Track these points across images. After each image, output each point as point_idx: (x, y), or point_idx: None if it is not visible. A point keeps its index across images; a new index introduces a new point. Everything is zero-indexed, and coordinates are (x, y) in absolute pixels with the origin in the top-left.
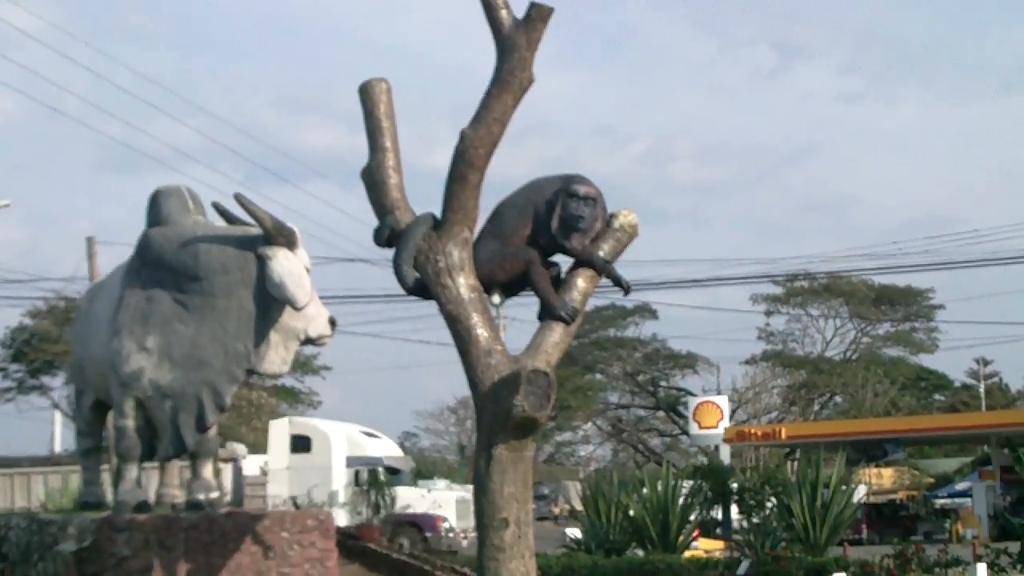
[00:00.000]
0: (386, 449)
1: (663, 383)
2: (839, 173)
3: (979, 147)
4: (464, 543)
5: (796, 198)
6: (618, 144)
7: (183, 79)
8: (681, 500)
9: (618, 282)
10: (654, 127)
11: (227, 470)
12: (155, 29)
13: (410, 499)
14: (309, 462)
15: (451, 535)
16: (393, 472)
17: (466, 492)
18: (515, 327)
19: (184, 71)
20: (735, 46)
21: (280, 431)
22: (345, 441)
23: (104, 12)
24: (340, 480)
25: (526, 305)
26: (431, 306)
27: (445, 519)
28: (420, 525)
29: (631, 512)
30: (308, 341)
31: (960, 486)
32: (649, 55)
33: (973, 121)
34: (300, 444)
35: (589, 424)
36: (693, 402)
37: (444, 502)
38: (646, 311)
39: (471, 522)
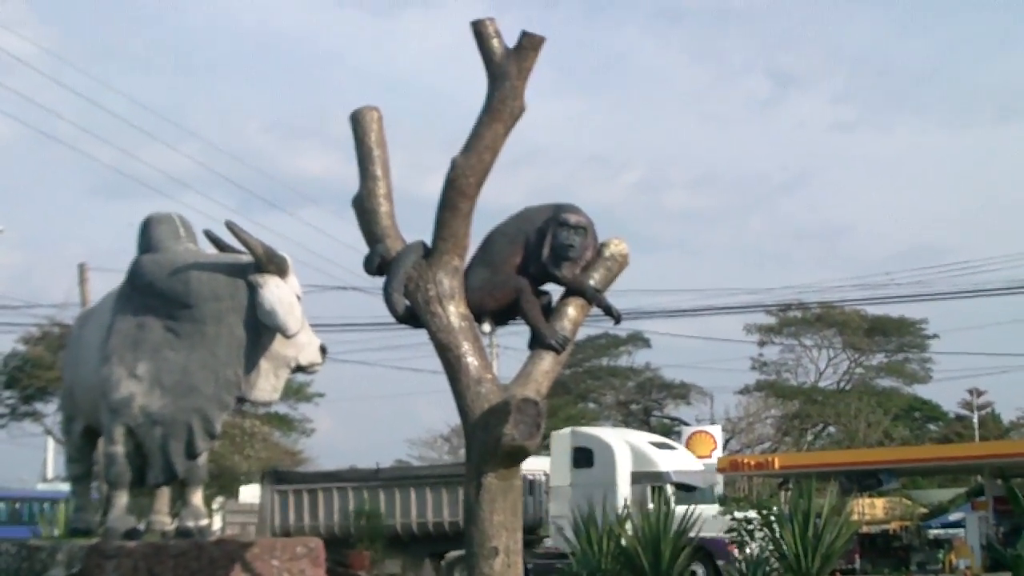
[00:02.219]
0: (679, 462)
1: (656, 412)
2: (832, 202)
3: (973, 176)
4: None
5: (789, 227)
6: (611, 172)
7: (176, 106)
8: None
9: (608, 311)
10: (647, 155)
11: None
12: (148, 55)
13: (704, 520)
14: (591, 478)
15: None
16: (687, 489)
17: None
18: (507, 356)
19: (177, 98)
20: (729, 74)
21: (562, 444)
22: (630, 453)
23: (98, 38)
24: (624, 498)
25: (517, 334)
26: (422, 334)
27: (743, 544)
28: (711, 551)
29: (623, 541)
30: (299, 369)
31: (953, 516)
32: (643, 83)
33: (967, 150)
34: (582, 458)
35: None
36: (686, 432)
37: (741, 524)
38: (639, 340)
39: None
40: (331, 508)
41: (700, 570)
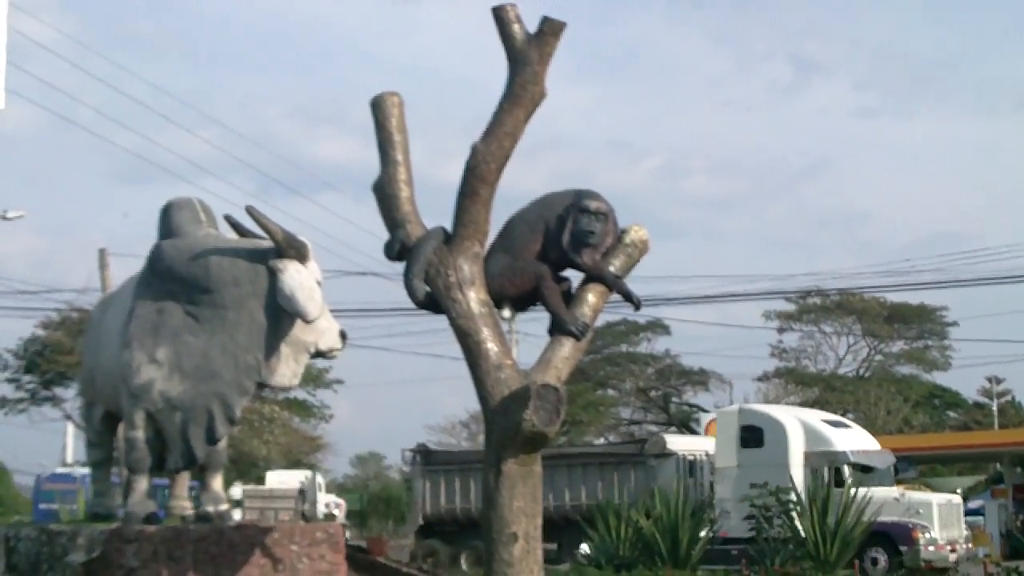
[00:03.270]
0: (856, 441)
1: (675, 399)
2: (853, 189)
3: (994, 164)
4: (951, 557)
5: (810, 214)
6: (632, 158)
7: (197, 91)
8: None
9: (629, 298)
10: (668, 141)
11: None
12: (169, 41)
13: (884, 503)
14: (761, 458)
15: (931, 548)
16: (865, 470)
17: (952, 496)
18: (527, 342)
19: (198, 83)
20: (752, 60)
21: (728, 422)
22: (802, 432)
23: (118, 24)
24: (797, 480)
25: (537, 320)
26: (442, 320)
27: (925, 528)
28: (892, 536)
29: (641, 528)
30: (319, 354)
31: (972, 504)
32: (664, 69)
33: (988, 138)
34: (751, 437)
35: (601, 440)
36: (705, 418)
37: (923, 507)
38: (658, 327)
39: (959, 532)
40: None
41: (881, 557)
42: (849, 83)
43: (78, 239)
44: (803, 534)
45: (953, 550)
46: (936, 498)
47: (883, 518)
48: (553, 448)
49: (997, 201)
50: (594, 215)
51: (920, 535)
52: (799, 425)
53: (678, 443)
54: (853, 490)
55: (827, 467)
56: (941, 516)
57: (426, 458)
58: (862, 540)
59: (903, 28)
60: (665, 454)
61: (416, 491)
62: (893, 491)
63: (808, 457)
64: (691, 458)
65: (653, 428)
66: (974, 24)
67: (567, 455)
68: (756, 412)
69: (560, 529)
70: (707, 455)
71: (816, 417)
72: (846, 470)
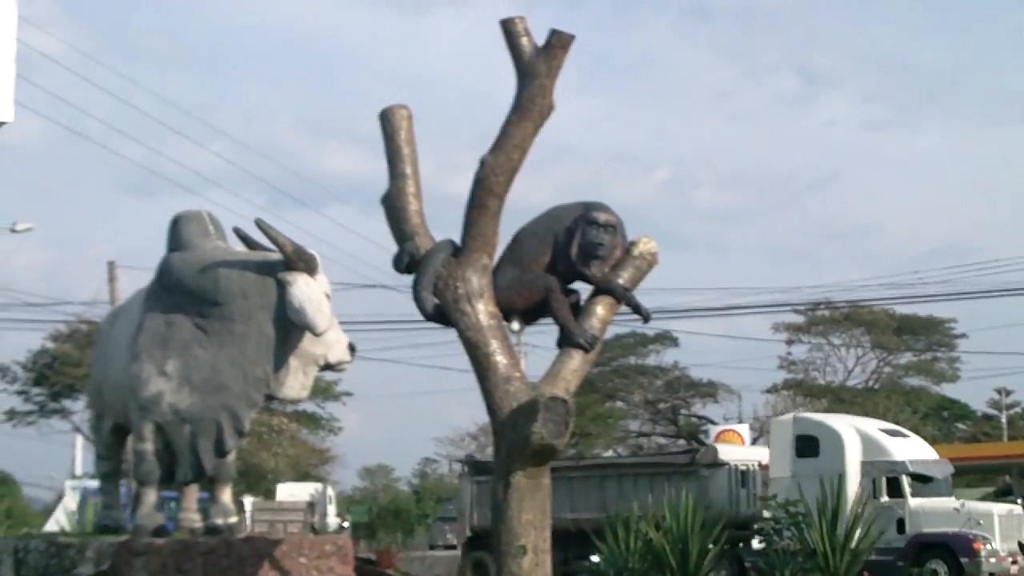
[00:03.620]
0: (914, 451)
1: (684, 411)
2: (861, 201)
3: (1001, 176)
4: (1013, 569)
5: (817, 226)
6: (639, 171)
7: (205, 104)
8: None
9: (637, 310)
10: (675, 154)
11: None
12: (177, 54)
13: (943, 514)
14: (816, 468)
15: (992, 560)
16: (923, 480)
17: (1013, 507)
18: (535, 354)
19: (207, 96)
20: (758, 73)
21: (783, 431)
22: (859, 441)
23: (127, 36)
24: (852, 490)
25: (546, 332)
26: (451, 332)
27: (986, 539)
28: (952, 547)
29: (651, 540)
30: (327, 367)
31: None
32: (671, 82)
33: (995, 150)
34: (806, 446)
35: (609, 452)
36: (714, 430)
37: (984, 518)
38: (667, 339)
39: (1019, 543)
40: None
41: (941, 569)
42: (856, 95)
43: (87, 251)
44: (812, 546)
45: (1015, 561)
46: (997, 508)
47: (943, 529)
48: (602, 458)
49: (1005, 213)
50: (603, 227)
51: (982, 546)
52: (856, 434)
53: (730, 453)
54: (912, 500)
55: (884, 477)
56: (1002, 527)
57: (475, 468)
58: (918, 551)
59: (910, 40)
60: (717, 464)
61: (464, 502)
62: (952, 501)
63: (865, 467)
64: (743, 468)
65: (662, 440)
66: (981, 36)
67: (616, 464)
68: (811, 421)
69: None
70: (759, 465)
71: (873, 426)
72: (904, 480)
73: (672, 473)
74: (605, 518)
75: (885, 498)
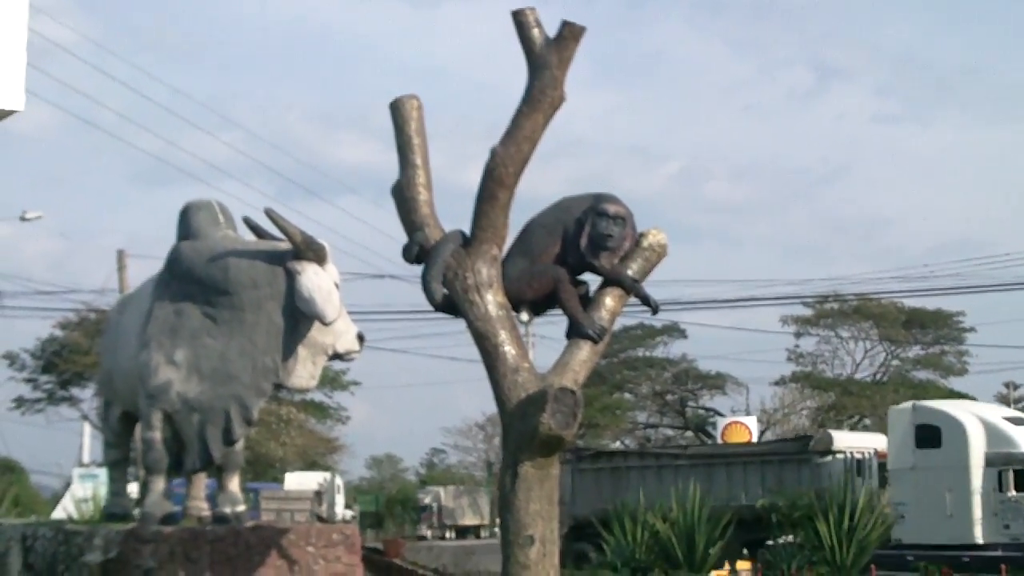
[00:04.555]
0: None
1: (692, 403)
2: (872, 195)
3: (1014, 171)
4: None
5: (828, 219)
6: (650, 163)
7: (217, 95)
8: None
9: (646, 301)
10: (687, 146)
11: None
12: (190, 44)
13: None
14: (938, 460)
15: None
16: None
17: None
18: (544, 345)
19: (219, 87)
20: (772, 66)
21: (902, 420)
22: (983, 431)
23: (139, 26)
24: (976, 483)
25: (555, 323)
26: (459, 323)
27: None
28: None
29: (658, 531)
30: (336, 356)
31: None
32: (684, 74)
33: (1008, 145)
34: (926, 436)
35: (617, 443)
36: (721, 422)
37: None
38: (675, 331)
39: None
40: (637, 488)
41: None
42: (870, 89)
43: (96, 240)
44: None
45: None
46: None
47: None
48: (710, 446)
49: (1017, 207)
50: (612, 219)
51: None
52: (979, 424)
53: (845, 440)
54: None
55: (1012, 470)
56: None
57: (575, 455)
58: None
59: (925, 34)
60: (831, 452)
61: (565, 491)
62: None
63: (989, 458)
64: (859, 456)
65: (669, 432)
66: (996, 31)
67: (727, 453)
68: (932, 409)
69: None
70: (875, 453)
71: (997, 414)
72: None
73: (784, 461)
74: (711, 509)
75: (1012, 492)
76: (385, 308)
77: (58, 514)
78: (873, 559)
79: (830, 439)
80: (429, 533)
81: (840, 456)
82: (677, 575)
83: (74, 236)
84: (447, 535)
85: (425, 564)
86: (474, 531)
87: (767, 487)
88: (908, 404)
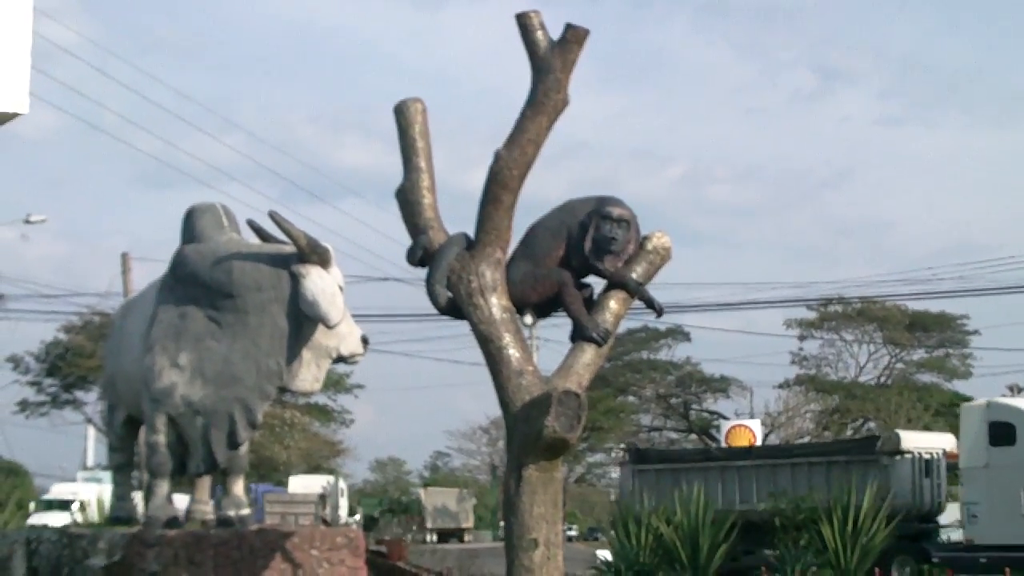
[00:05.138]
0: None
1: (695, 406)
2: (876, 198)
3: (1016, 174)
4: None
5: (832, 222)
6: (654, 166)
7: (221, 98)
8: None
9: (651, 304)
10: (691, 149)
11: None
12: (193, 47)
13: None
14: (1014, 457)
15: None
16: None
17: None
18: (548, 348)
19: (222, 90)
20: (775, 69)
21: (975, 417)
22: None
23: (142, 29)
24: None
25: (559, 326)
26: (463, 326)
27: None
28: None
29: (662, 535)
30: (340, 359)
31: None
32: (688, 77)
33: (1011, 148)
34: (1001, 434)
35: (621, 446)
36: (725, 425)
37: None
38: (679, 334)
39: None
40: (699, 488)
41: None
42: (873, 92)
43: (100, 243)
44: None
45: None
46: None
47: None
48: (775, 446)
49: (1021, 210)
50: (616, 222)
51: None
52: None
53: (913, 440)
54: None
55: None
56: None
57: (637, 457)
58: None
59: (928, 37)
60: (899, 452)
61: (625, 492)
62: None
63: None
64: (927, 456)
65: (673, 435)
66: (1000, 34)
67: (791, 452)
68: (1007, 407)
69: (785, 532)
70: (944, 453)
71: None
72: None
73: (850, 462)
74: (778, 510)
75: None
76: (389, 311)
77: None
78: (945, 561)
79: (898, 439)
80: (408, 537)
81: (908, 456)
82: None
83: (78, 239)
84: (428, 539)
85: (429, 567)
86: (458, 535)
87: (833, 488)
88: (982, 401)
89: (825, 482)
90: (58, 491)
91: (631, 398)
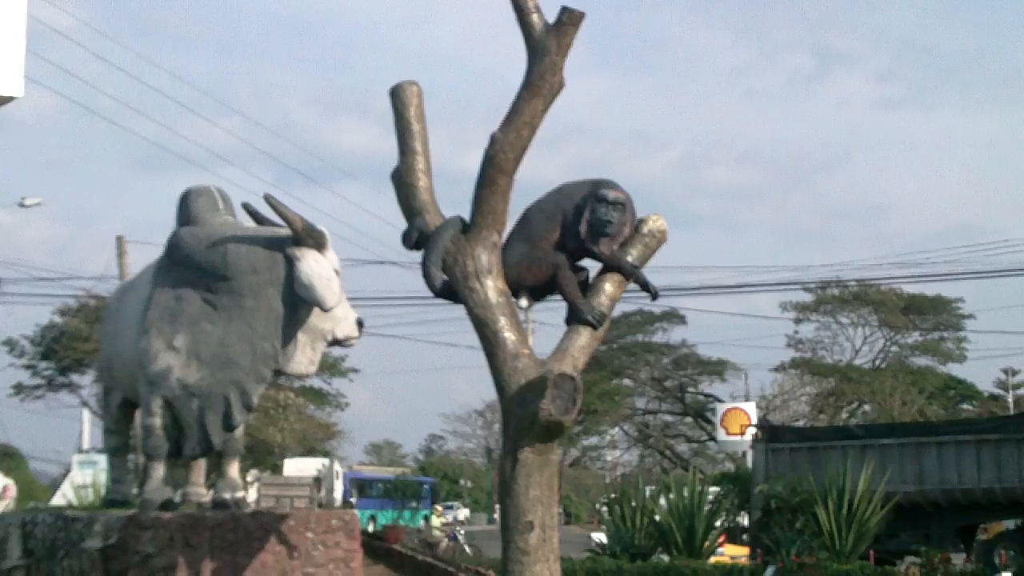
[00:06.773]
0: None
1: (691, 389)
2: (873, 181)
3: (1014, 157)
4: None
5: (829, 205)
6: (651, 149)
7: (217, 81)
8: (707, 506)
9: (646, 287)
10: (689, 132)
11: None
12: (189, 30)
13: None
14: None
15: None
16: None
17: None
18: (543, 331)
19: (219, 73)
20: (774, 51)
21: None
22: None
23: (138, 12)
24: None
25: (554, 309)
26: (459, 309)
27: None
28: None
29: (657, 517)
30: (336, 342)
31: None
32: (685, 60)
33: (1010, 130)
34: None
35: (616, 429)
36: (721, 408)
37: None
38: (674, 317)
39: None
40: (838, 467)
41: None
42: (872, 74)
43: (96, 226)
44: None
45: None
46: None
47: None
48: (919, 423)
49: (1017, 193)
50: (612, 204)
51: None
52: None
53: None
54: None
55: None
56: None
57: (771, 435)
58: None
59: (927, 20)
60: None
61: (757, 472)
62: None
63: None
64: None
65: (668, 418)
66: (999, 16)
67: (937, 430)
68: None
69: (928, 517)
70: None
71: None
72: None
73: (1003, 440)
74: (921, 493)
75: None
76: (384, 294)
77: (57, 500)
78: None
79: None
80: None
81: None
82: (676, 560)
83: (74, 222)
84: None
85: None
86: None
87: (988, 467)
88: None
89: (975, 462)
90: None
91: (626, 381)
